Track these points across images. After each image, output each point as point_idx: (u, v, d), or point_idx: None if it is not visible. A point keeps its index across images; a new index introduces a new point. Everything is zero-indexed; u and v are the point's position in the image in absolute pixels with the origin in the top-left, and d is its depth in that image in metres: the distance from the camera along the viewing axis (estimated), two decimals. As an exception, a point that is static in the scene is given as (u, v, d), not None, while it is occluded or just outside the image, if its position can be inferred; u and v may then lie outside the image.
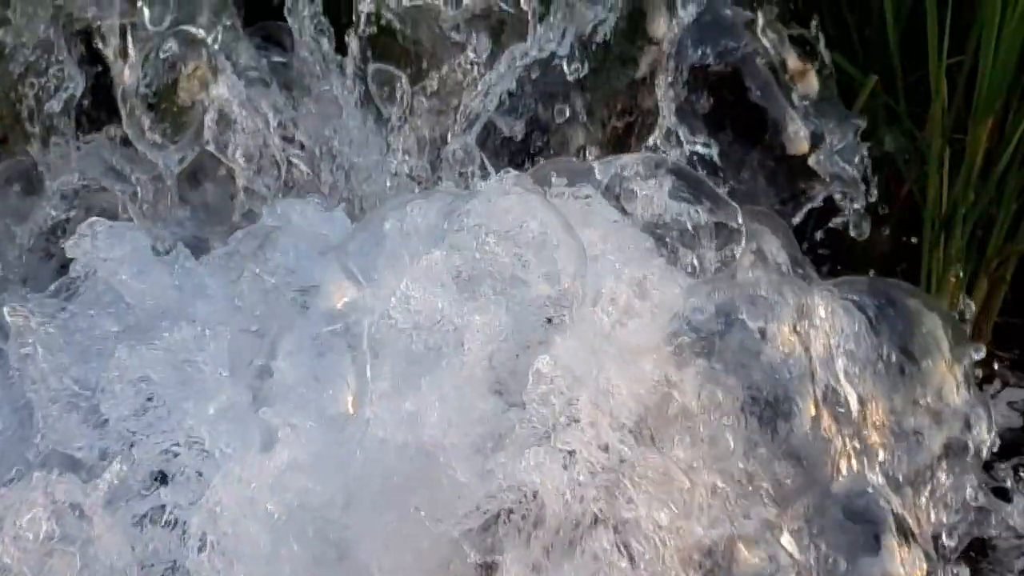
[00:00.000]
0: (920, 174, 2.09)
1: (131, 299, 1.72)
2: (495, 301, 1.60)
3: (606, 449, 1.54)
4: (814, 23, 2.06)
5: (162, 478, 1.57)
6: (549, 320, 1.61)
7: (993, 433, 1.69)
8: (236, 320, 1.69)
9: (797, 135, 2.04)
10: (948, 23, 1.98)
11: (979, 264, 2.10)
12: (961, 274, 2.08)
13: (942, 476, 1.67)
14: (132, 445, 1.58)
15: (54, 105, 2.11)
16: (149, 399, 1.61)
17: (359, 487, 1.54)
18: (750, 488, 1.58)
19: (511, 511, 1.52)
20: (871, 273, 2.07)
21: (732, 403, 1.59)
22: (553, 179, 1.74)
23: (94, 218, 1.74)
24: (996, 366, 2.16)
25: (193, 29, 2.05)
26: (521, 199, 1.66)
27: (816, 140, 2.04)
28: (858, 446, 1.63)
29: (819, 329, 1.63)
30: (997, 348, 2.16)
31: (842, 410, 1.63)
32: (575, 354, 1.57)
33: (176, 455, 1.58)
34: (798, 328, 1.63)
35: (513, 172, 1.72)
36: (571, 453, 1.53)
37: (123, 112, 2.05)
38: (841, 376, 1.63)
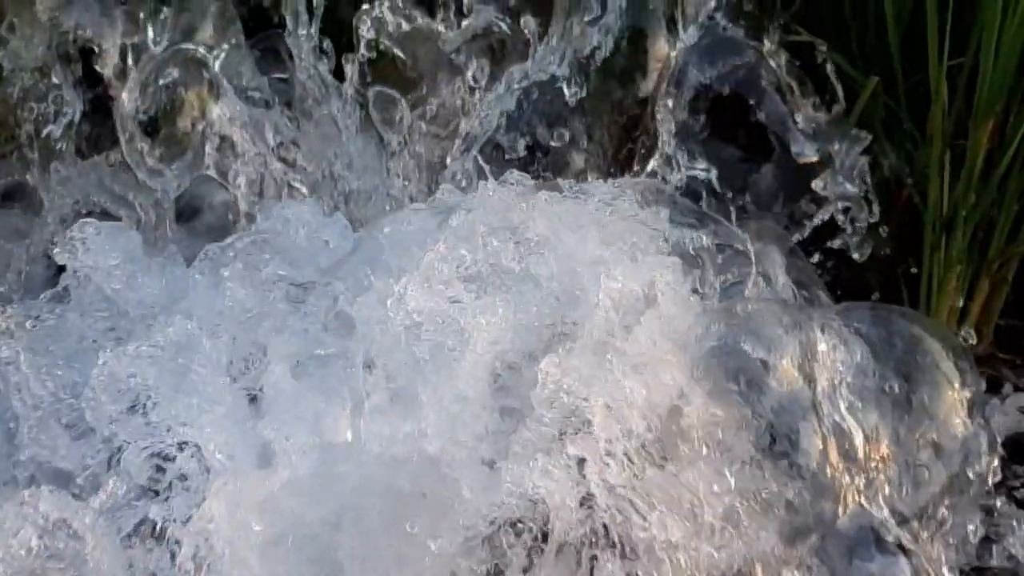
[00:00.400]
0: (921, 177, 2.05)
1: (122, 303, 1.66)
2: (500, 301, 1.54)
3: (617, 459, 1.48)
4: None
5: (153, 491, 1.52)
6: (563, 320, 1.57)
7: (996, 466, 1.65)
8: (229, 320, 1.63)
9: (803, 154, 2.01)
10: (948, 25, 1.94)
11: (980, 266, 2.07)
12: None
13: (946, 511, 1.63)
14: (119, 453, 1.52)
15: (54, 131, 2.07)
16: (133, 406, 1.55)
17: (356, 506, 1.48)
18: (761, 510, 1.54)
19: (517, 522, 1.47)
20: (873, 281, 2.08)
21: (740, 428, 1.55)
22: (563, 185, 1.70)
23: (84, 220, 1.69)
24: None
25: (194, 47, 2.01)
26: (525, 196, 1.61)
27: (822, 161, 2.01)
28: (864, 480, 1.59)
29: (822, 363, 1.59)
30: (999, 350, 2.13)
31: (847, 444, 1.59)
32: (583, 356, 1.51)
33: (171, 459, 1.52)
34: (801, 362, 1.59)
35: (517, 173, 1.67)
36: (581, 462, 1.48)
37: (122, 139, 2.00)
38: (844, 410, 1.59)
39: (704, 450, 1.51)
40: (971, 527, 1.64)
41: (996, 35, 1.94)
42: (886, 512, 1.58)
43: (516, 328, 1.55)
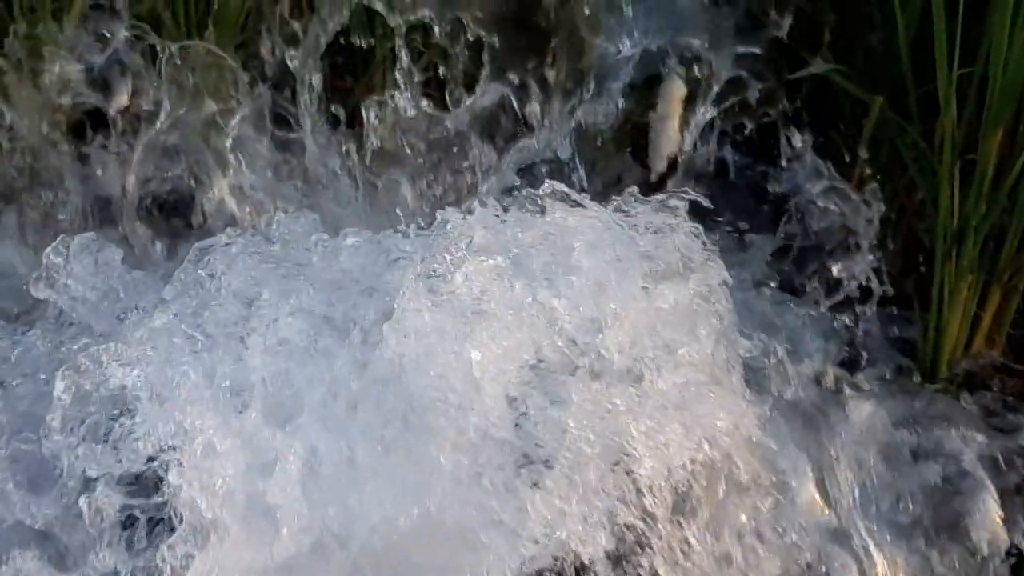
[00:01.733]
0: (931, 185, 1.95)
1: (102, 322, 1.51)
2: (524, 315, 1.37)
3: (657, 507, 1.34)
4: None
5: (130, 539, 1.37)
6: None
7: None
8: (211, 323, 1.45)
9: (819, 228, 1.95)
10: (958, 34, 1.86)
11: (991, 275, 1.99)
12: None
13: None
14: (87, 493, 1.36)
15: (62, 221, 1.93)
16: (93, 438, 1.38)
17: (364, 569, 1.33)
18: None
19: (544, 572, 1.33)
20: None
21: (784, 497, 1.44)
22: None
23: (60, 238, 1.54)
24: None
25: (209, 113, 1.89)
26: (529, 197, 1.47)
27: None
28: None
29: (841, 488, 1.49)
30: (1011, 361, 2.04)
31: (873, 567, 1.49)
32: (617, 384, 1.36)
33: (152, 492, 1.38)
34: (820, 484, 1.48)
35: (531, 191, 1.52)
36: (614, 512, 1.33)
37: (128, 229, 1.88)
38: (864, 532, 1.49)
39: (747, 517, 1.39)
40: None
41: (1006, 43, 1.86)
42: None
43: (540, 350, 1.38)
